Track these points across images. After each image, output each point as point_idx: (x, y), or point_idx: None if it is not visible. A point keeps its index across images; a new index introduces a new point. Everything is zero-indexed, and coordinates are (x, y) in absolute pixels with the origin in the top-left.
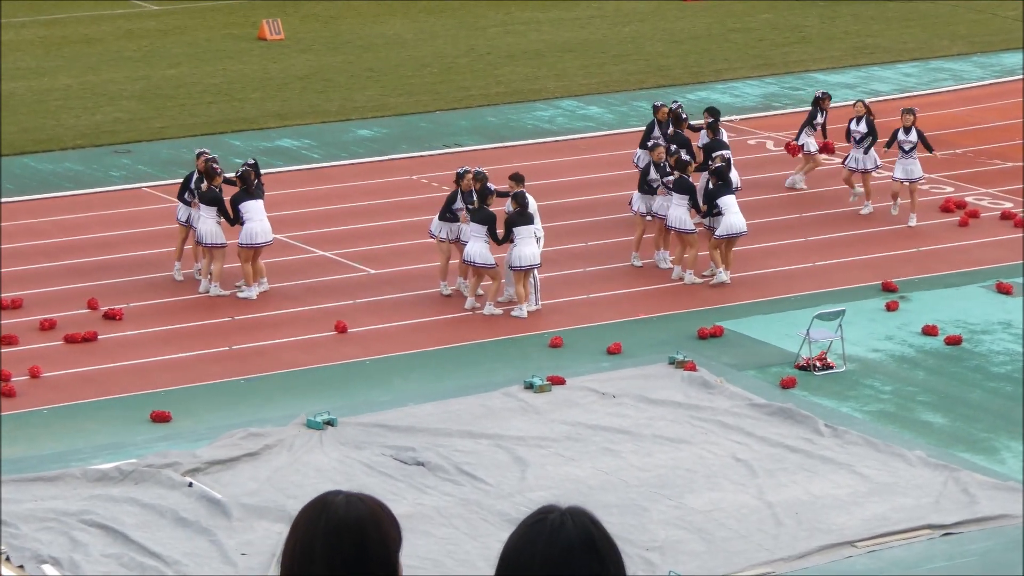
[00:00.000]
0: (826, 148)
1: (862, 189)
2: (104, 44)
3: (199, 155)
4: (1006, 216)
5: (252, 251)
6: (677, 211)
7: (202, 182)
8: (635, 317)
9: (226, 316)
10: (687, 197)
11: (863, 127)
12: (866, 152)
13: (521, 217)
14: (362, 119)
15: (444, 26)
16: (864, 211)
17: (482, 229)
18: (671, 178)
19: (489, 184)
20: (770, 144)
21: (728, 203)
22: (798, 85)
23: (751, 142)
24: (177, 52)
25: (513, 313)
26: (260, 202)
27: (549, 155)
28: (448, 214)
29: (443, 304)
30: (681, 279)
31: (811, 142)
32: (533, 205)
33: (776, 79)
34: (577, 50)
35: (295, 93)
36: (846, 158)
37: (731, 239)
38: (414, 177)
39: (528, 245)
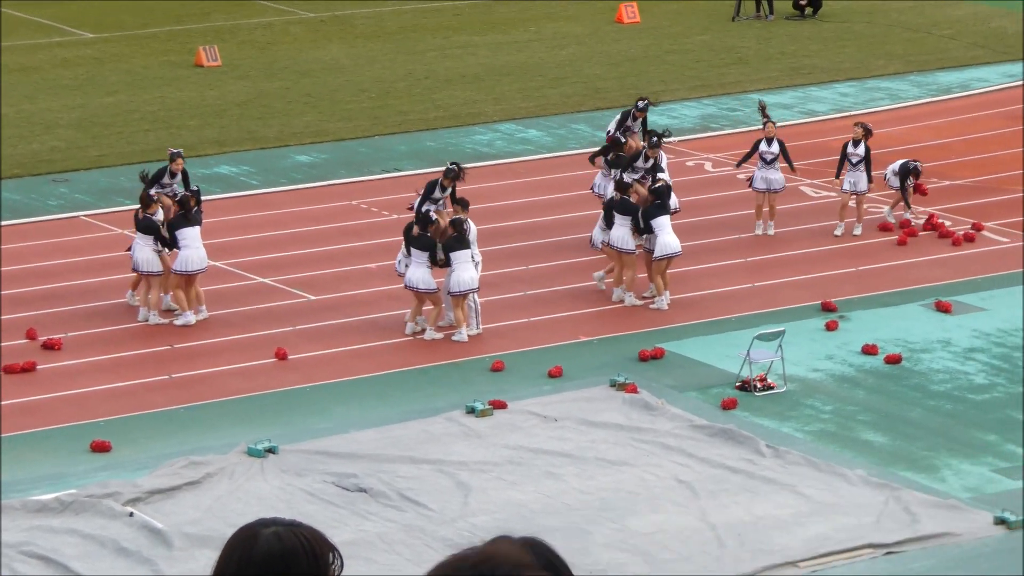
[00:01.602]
0: (919, 189)
1: (847, 223)
2: (40, 73)
3: (174, 157)
4: (934, 227)
5: (186, 278)
6: (619, 231)
7: (174, 178)
8: (576, 340)
9: (166, 344)
10: (629, 218)
11: (860, 150)
12: (869, 179)
13: (459, 243)
14: (300, 145)
15: (382, 51)
16: (856, 231)
17: (423, 255)
18: (613, 194)
19: (429, 211)
20: (708, 165)
21: (662, 223)
22: (735, 106)
23: (689, 163)
24: (114, 80)
25: (454, 338)
26: (197, 229)
27: (488, 179)
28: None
29: (384, 330)
30: (622, 301)
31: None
32: (473, 231)
33: (713, 100)
34: (515, 73)
35: (233, 119)
36: (843, 181)
37: (667, 260)
38: (354, 203)
39: (466, 270)
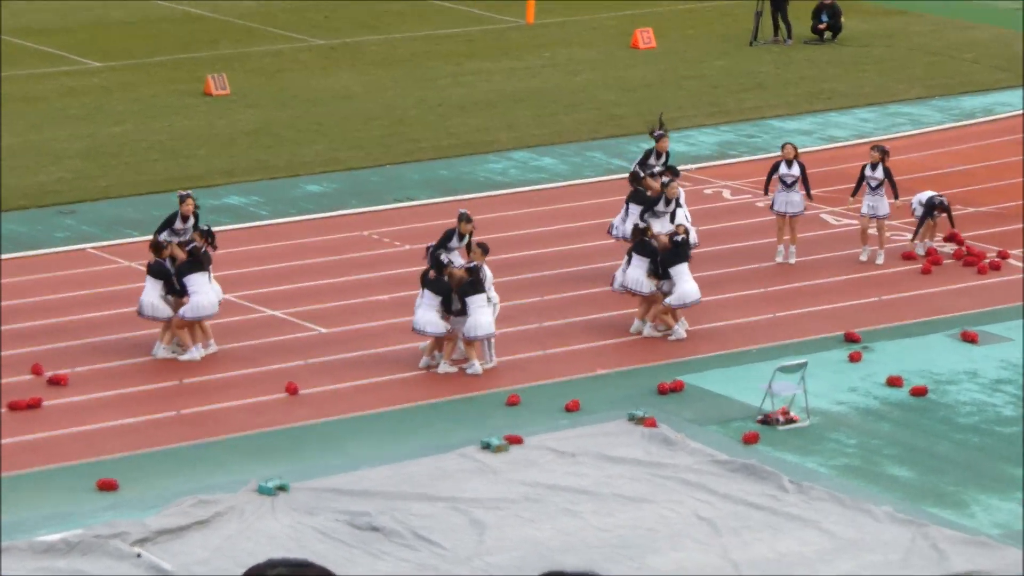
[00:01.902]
0: (954, 239)
1: (871, 251)
2: (47, 102)
3: (184, 199)
4: (959, 255)
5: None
6: (635, 272)
7: (184, 223)
8: (593, 373)
9: (174, 379)
10: (647, 260)
11: (879, 173)
12: (895, 196)
13: (473, 287)
14: (311, 174)
15: (393, 78)
16: (879, 260)
17: (436, 299)
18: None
19: (441, 254)
20: (726, 193)
21: (680, 271)
22: (754, 132)
23: (707, 191)
24: (121, 109)
25: (468, 371)
26: (206, 274)
27: (502, 208)
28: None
29: (396, 363)
30: (640, 332)
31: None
32: (489, 277)
33: (731, 126)
34: (529, 100)
35: (242, 149)
36: (862, 205)
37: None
38: (365, 233)
39: (483, 314)
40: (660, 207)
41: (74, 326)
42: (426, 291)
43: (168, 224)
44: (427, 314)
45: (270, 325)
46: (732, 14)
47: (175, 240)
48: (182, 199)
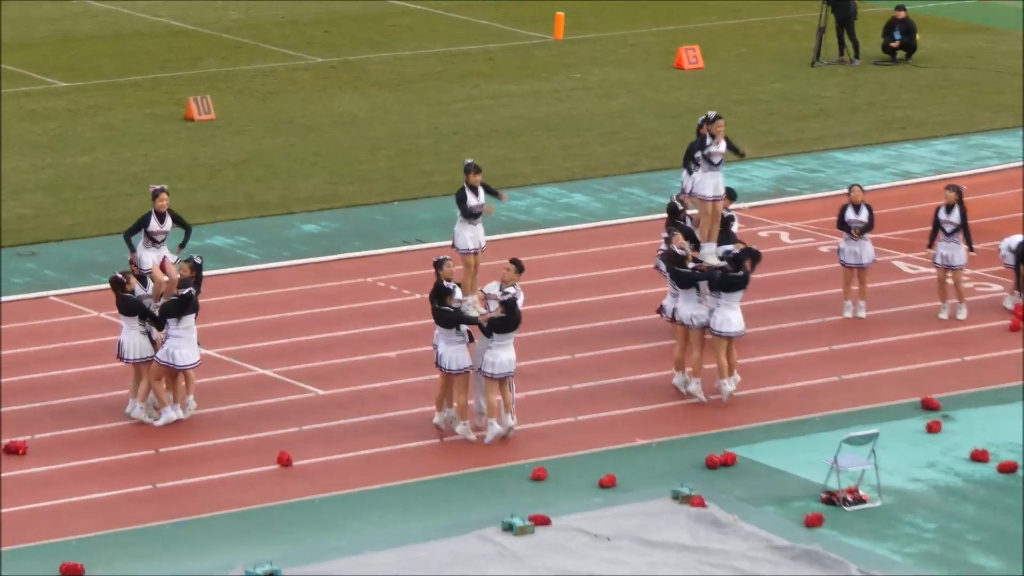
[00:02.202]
0: None
1: (951, 305)
2: (4, 127)
3: (157, 194)
4: None
5: (170, 371)
6: (686, 306)
7: (161, 222)
8: (631, 443)
9: (149, 448)
10: (693, 290)
11: (955, 217)
12: (970, 247)
13: (505, 324)
14: (307, 212)
15: (401, 102)
16: (960, 315)
17: (451, 331)
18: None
19: (447, 283)
20: (785, 236)
21: (731, 298)
22: (816, 166)
23: (763, 234)
24: (90, 136)
25: (487, 439)
26: (193, 316)
27: (526, 251)
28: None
29: (405, 430)
30: (684, 389)
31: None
32: (521, 298)
33: (790, 159)
34: (557, 128)
35: (228, 182)
36: (935, 254)
37: (728, 340)
38: (369, 280)
39: (506, 350)
40: (711, 148)
41: (34, 386)
42: (438, 324)
43: (141, 226)
44: (449, 347)
45: (260, 385)
46: (790, 30)
47: (152, 250)
48: (155, 194)
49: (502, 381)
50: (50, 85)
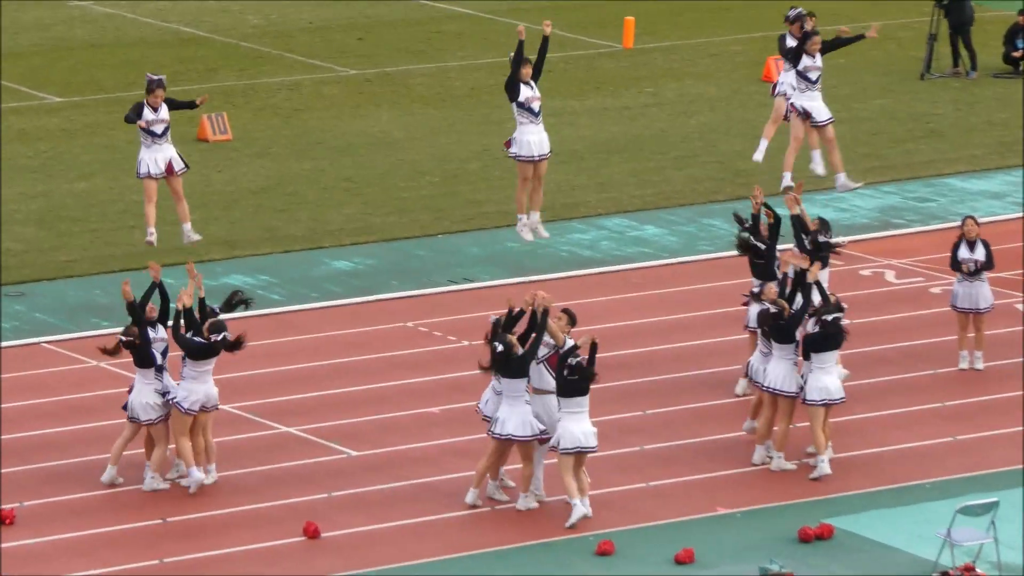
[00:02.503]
0: None
1: None
2: None
3: (153, 88)
4: None
5: (191, 420)
6: (778, 367)
7: (157, 113)
8: (712, 513)
9: (156, 517)
10: (791, 347)
11: None
12: None
13: (572, 386)
14: (338, 247)
15: (447, 120)
16: None
17: (519, 385)
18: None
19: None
20: (890, 275)
21: (825, 359)
22: (926, 194)
23: (865, 272)
24: (88, 159)
25: (568, 524)
26: (212, 362)
27: (590, 292)
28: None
29: (449, 497)
30: (765, 463)
31: None
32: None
33: (897, 186)
34: (627, 150)
35: (247, 212)
36: None
37: (825, 408)
38: (409, 324)
39: (580, 420)
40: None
41: (23, 446)
42: (504, 378)
43: (136, 114)
44: (512, 409)
45: (283, 446)
46: (896, 38)
47: (155, 149)
48: (150, 87)
49: (577, 458)
50: (42, 101)
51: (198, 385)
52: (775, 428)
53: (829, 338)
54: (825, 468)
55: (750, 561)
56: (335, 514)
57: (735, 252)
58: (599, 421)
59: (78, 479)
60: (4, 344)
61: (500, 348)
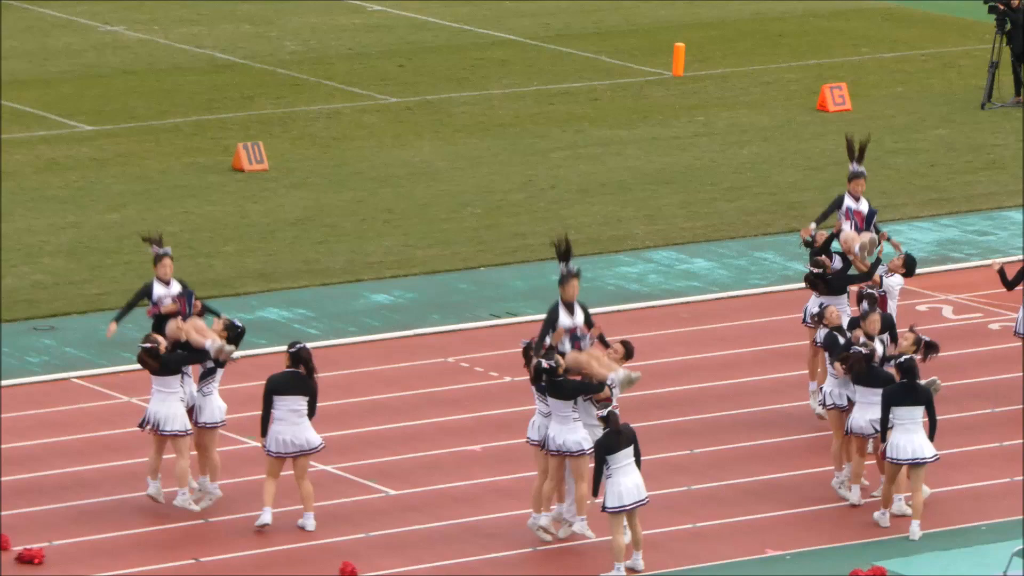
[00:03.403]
0: None
1: None
2: (18, 179)
3: (160, 259)
4: None
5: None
6: (863, 413)
7: (169, 287)
8: (761, 555)
9: (189, 557)
10: (878, 392)
11: None
12: None
13: (617, 439)
14: (378, 279)
15: (490, 150)
16: None
17: (567, 405)
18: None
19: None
20: (948, 311)
21: (907, 415)
22: (986, 228)
23: (921, 307)
24: (120, 189)
25: None
26: (217, 376)
27: (638, 327)
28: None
29: (492, 539)
30: (839, 490)
31: None
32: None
33: (955, 219)
34: (676, 181)
35: (284, 244)
36: None
37: (914, 466)
38: (451, 360)
39: (629, 473)
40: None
41: (53, 483)
42: (550, 399)
43: (141, 299)
44: (561, 428)
45: (319, 484)
46: (956, 66)
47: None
48: (158, 258)
49: (629, 513)
50: (72, 129)
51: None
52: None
53: (908, 389)
54: (883, 520)
55: None
56: (373, 555)
57: (787, 287)
58: (645, 460)
59: (108, 518)
60: (33, 379)
61: (547, 365)
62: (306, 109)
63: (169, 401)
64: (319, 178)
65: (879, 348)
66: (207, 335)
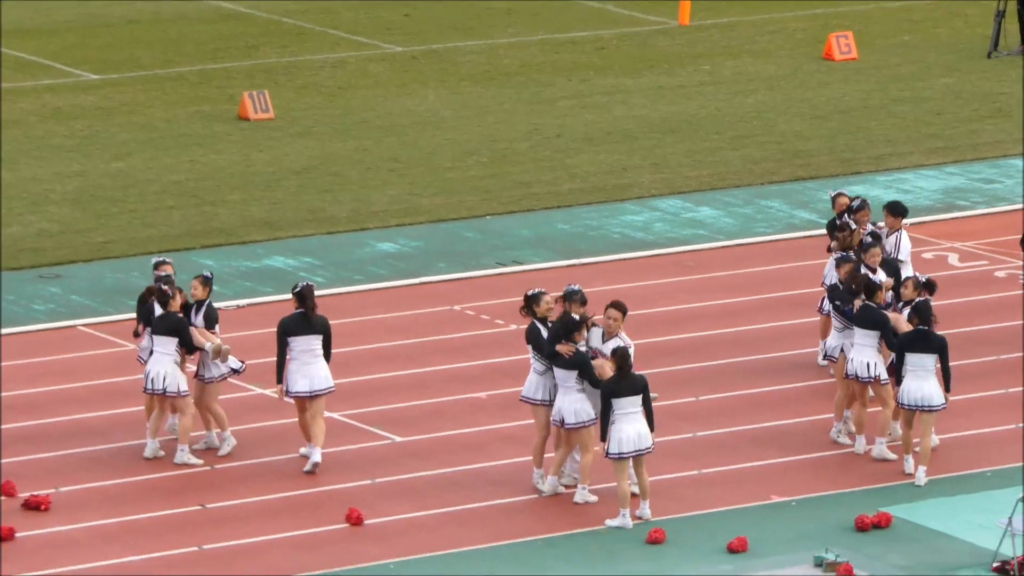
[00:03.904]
0: None
1: None
2: (24, 128)
3: (159, 267)
4: None
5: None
6: (863, 354)
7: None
8: (766, 501)
9: (195, 503)
10: (876, 333)
11: None
12: None
13: (625, 383)
14: (383, 228)
15: (496, 99)
16: None
17: (571, 375)
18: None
19: (577, 315)
20: (954, 258)
21: (919, 363)
22: (992, 175)
23: (927, 255)
24: (125, 138)
25: (611, 523)
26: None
27: (643, 275)
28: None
29: (497, 485)
30: (869, 451)
31: None
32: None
33: (961, 167)
34: (681, 130)
35: (290, 193)
36: None
37: (922, 412)
38: (456, 308)
39: (633, 422)
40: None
41: (59, 431)
42: (556, 368)
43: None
44: (565, 397)
45: (326, 431)
46: (963, 14)
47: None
48: (157, 269)
49: (634, 460)
50: (78, 78)
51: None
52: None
53: (923, 335)
54: (907, 467)
55: (805, 550)
56: (379, 501)
57: (793, 235)
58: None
59: (114, 465)
60: (39, 327)
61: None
62: (311, 58)
63: (164, 361)
64: (324, 127)
65: (881, 276)
66: (208, 338)
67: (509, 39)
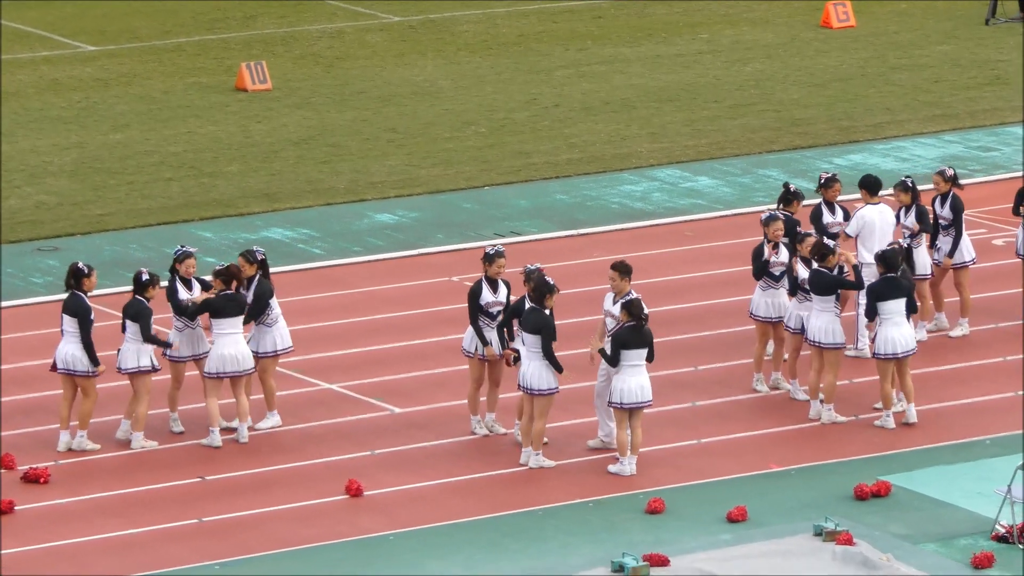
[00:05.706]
0: None
1: None
2: (21, 99)
3: (181, 257)
4: None
5: (220, 382)
6: (821, 319)
7: (191, 290)
8: (765, 470)
9: (194, 475)
10: (832, 299)
11: None
12: None
13: (635, 334)
14: (382, 199)
15: (494, 69)
16: None
17: (535, 340)
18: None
19: (547, 278)
20: None
21: (891, 309)
22: (990, 143)
23: None
24: (123, 109)
25: (611, 469)
26: (240, 318)
27: (641, 245)
28: (481, 317)
29: (495, 455)
30: (819, 418)
31: None
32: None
33: (959, 135)
34: (680, 99)
35: (288, 164)
36: None
37: (897, 361)
38: (455, 279)
39: (637, 374)
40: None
41: (57, 404)
42: (523, 331)
43: (175, 300)
44: (531, 364)
45: (325, 403)
46: None
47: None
48: (178, 259)
49: (632, 413)
50: (76, 49)
51: (227, 348)
52: (821, 384)
53: (890, 281)
54: (888, 422)
55: (804, 519)
56: (378, 472)
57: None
58: (651, 377)
59: (113, 437)
60: (38, 300)
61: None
62: (309, 28)
63: (132, 343)
64: (322, 98)
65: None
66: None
67: (506, 8)
